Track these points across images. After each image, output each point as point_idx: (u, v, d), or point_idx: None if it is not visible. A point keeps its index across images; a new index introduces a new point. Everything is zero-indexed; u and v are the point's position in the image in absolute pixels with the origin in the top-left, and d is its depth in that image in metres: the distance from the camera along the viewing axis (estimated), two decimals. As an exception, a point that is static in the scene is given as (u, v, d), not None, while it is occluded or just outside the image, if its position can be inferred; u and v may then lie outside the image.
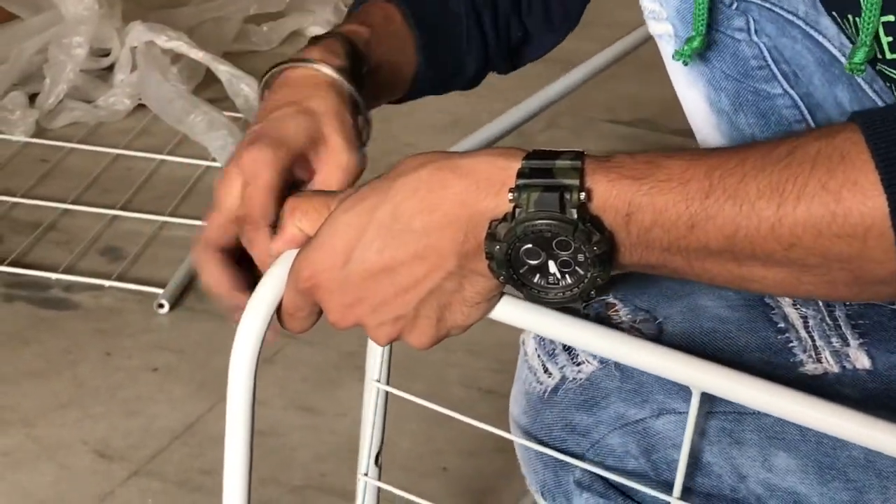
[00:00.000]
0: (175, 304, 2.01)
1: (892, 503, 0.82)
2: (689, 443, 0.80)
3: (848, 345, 0.85)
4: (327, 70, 0.92)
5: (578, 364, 0.87)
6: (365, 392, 1.05)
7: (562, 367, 0.88)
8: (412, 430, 1.70)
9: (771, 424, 0.82)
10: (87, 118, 2.57)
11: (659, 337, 0.85)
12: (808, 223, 0.68)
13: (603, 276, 0.74)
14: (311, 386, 1.83)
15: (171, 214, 2.26)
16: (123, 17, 2.67)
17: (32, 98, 2.58)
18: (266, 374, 1.80)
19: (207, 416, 1.76)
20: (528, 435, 0.90)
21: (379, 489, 1.09)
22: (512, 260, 0.74)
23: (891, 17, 0.78)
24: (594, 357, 0.86)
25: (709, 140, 0.91)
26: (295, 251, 0.81)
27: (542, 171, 0.73)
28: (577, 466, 0.87)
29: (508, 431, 0.92)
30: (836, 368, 0.84)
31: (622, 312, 0.87)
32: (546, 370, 0.89)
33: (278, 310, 0.82)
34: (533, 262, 0.74)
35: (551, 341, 0.89)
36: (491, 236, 0.73)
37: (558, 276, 0.75)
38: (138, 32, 2.62)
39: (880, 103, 0.85)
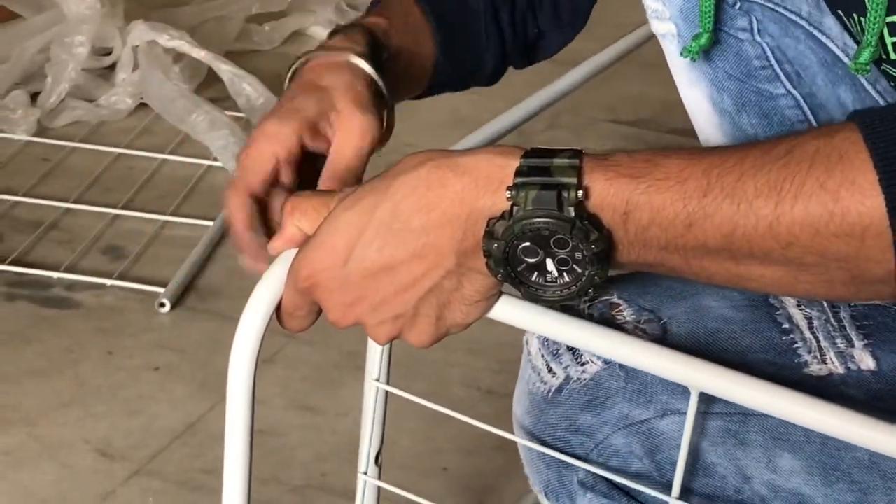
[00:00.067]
0: (176, 303, 2.01)
1: (896, 505, 0.82)
2: (687, 442, 0.80)
3: (853, 346, 0.85)
4: (344, 55, 0.93)
5: (583, 364, 0.87)
6: (365, 391, 1.05)
7: (566, 367, 0.88)
8: (412, 429, 1.70)
9: (775, 425, 0.82)
10: (88, 117, 2.57)
11: (663, 337, 0.85)
12: (805, 222, 0.68)
13: (601, 274, 0.74)
14: (311, 385, 1.83)
15: (173, 214, 2.26)
16: (125, 16, 2.67)
17: (34, 97, 2.58)
18: (266, 374, 1.80)
19: (208, 416, 1.76)
20: (532, 435, 0.89)
21: (379, 488, 1.09)
22: (510, 258, 0.74)
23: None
24: (598, 357, 0.86)
25: (711, 140, 0.91)
26: (294, 250, 0.81)
27: (540, 169, 0.73)
28: (580, 467, 0.87)
29: (509, 431, 0.92)
30: (840, 369, 0.84)
31: (626, 313, 0.87)
32: (550, 370, 0.89)
33: (278, 309, 0.82)
34: (531, 261, 0.74)
35: (555, 341, 0.89)
36: (489, 234, 0.73)
37: (556, 274, 0.75)
38: (140, 31, 2.63)
39: (883, 104, 0.85)
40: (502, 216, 0.73)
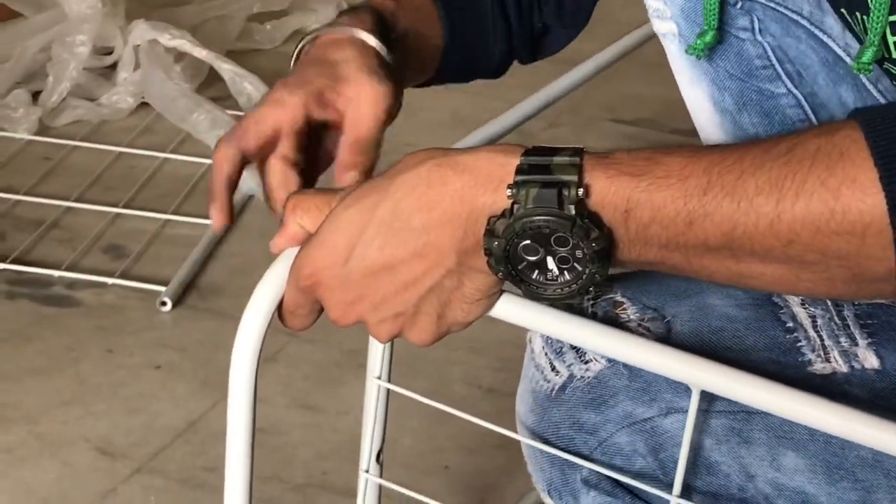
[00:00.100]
0: (177, 302, 2.01)
1: (901, 503, 0.82)
2: (688, 441, 0.80)
3: (857, 344, 0.85)
4: (352, 31, 0.94)
5: (586, 362, 0.87)
6: (366, 389, 1.05)
7: (569, 366, 0.88)
8: (413, 427, 1.70)
9: (779, 424, 0.82)
10: (90, 116, 2.57)
11: (667, 336, 0.85)
12: (806, 220, 0.68)
13: (601, 272, 0.74)
14: (312, 384, 1.83)
15: (174, 212, 2.26)
16: (127, 15, 2.67)
17: (36, 96, 2.58)
18: (268, 372, 1.80)
19: (210, 414, 1.76)
20: (535, 433, 0.90)
21: (381, 487, 1.09)
22: (510, 256, 0.74)
23: None
24: (602, 355, 0.86)
25: (712, 139, 0.91)
26: (296, 249, 0.81)
27: (541, 167, 0.73)
28: (584, 465, 0.87)
29: (510, 430, 0.92)
30: (844, 368, 0.84)
31: (630, 311, 0.87)
32: (553, 368, 0.89)
33: (279, 307, 0.82)
34: (531, 259, 0.74)
35: (558, 339, 0.89)
36: (490, 233, 0.73)
37: (556, 272, 0.75)
38: (141, 31, 2.63)
39: (884, 103, 0.85)
40: (503, 214, 0.73)
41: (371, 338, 0.90)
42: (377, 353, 1.03)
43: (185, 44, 2.62)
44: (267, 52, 2.91)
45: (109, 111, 2.59)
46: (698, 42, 0.86)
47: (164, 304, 1.99)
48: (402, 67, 0.97)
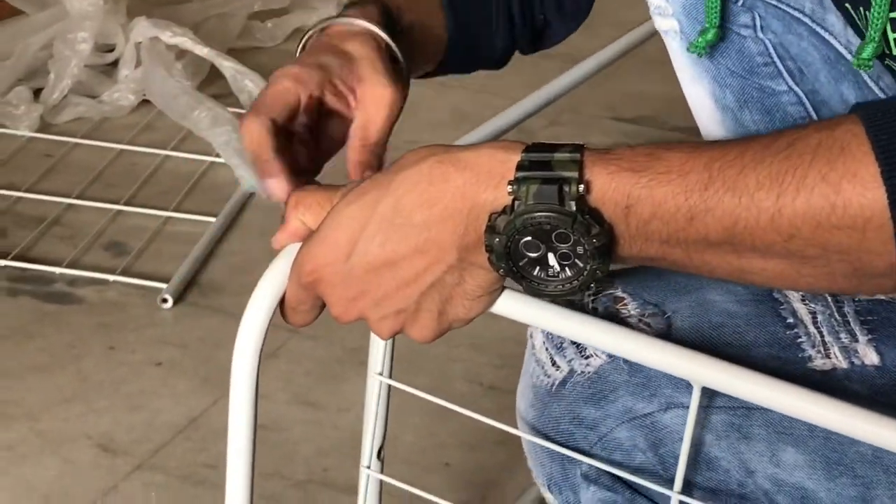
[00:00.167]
0: (179, 299, 2.01)
1: (900, 499, 0.82)
2: (689, 437, 0.81)
3: (857, 340, 0.85)
4: (363, 23, 0.94)
5: (587, 357, 0.87)
6: (367, 385, 1.05)
7: (570, 361, 0.88)
8: (414, 424, 1.70)
9: (779, 420, 0.82)
10: (91, 113, 2.58)
11: (667, 331, 0.85)
12: (807, 214, 0.68)
13: (602, 268, 0.74)
14: (314, 380, 1.83)
15: (176, 210, 2.26)
16: (128, 12, 2.67)
17: (37, 93, 2.58)
18: (269, 369, 1.80)
19: (211, 411, 1.76)
20: (535, 428, 0.90)
21: (382, 483, 1.09)
22: (511, 252, 0.74)
23: None
24: (602, 350, 0.87)
25: (713, 136, 0.91)
26: (298, 245, 0.81)
27: (541, 163, 0.73)
28: (583, 461, 0.88)
29: (511, 426, 0.92)
30: (844, 364, 0.84)
31: (631, 307, 0.87)
32: (554, 363, 0.89)
33: (281, 303, 0.82)
34: (532, 255, 0.74)
35: (559, 334, 0.89)
36: (490, 229, 0.73)
37: (557, 268, 0.75)
38: (143, 28, 2.63)
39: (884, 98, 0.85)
40: (504, 211, 0.73)
41: (372, 334, 0.90)
42: (378, 349, 1.04)
43: (186, 41, 2.62)
44: (268, 50, 2.91)
45: (111, 108, 2.59)
46: (700, 40, 0.86)
47: (165, 301, 1.99)
48: (408, 60, 0.97)
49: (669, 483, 0.84)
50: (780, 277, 0.72)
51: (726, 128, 0.90)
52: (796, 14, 0.85)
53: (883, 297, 0.87)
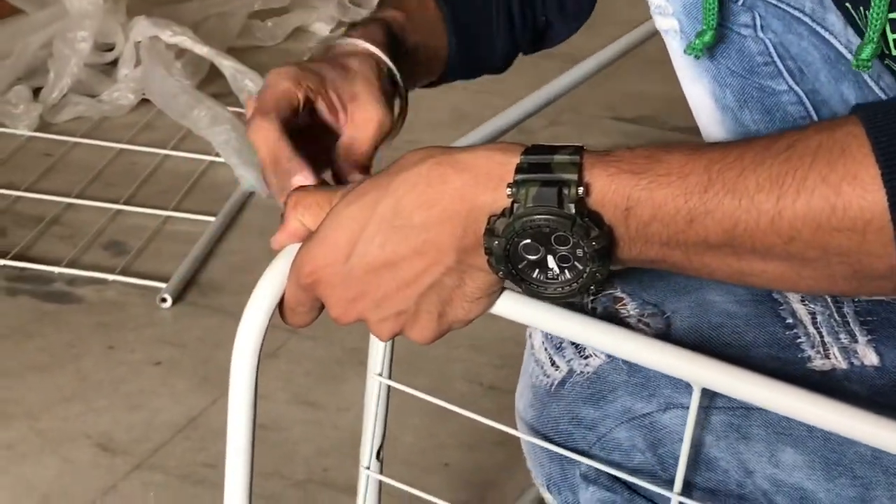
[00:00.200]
0: (178, 298, 2.01)
1: (899, 500, 0.82)
2: (689, 437, 0.80)
3: (856, 341, 0.85)
4: (367, 45, 0.94)
5: (586, 357, 0.87)
6: (367, 386, 1.05)
7: (569, 361, 0.88)
8: (414, 424, 1.70)
9: (778, 420, 0.82)
10: (90, 112, 2.58)
11: (667, 331, 0.85)
12: (807, 216, 0.68)
13: (602, 270, 0.74)
14: (313, 380, 1.83)
15: (175, 209, 2.26)
16: (128, 11, 2.67)
17: (36, 92, 2.58)
18: (269, 369, 1.80)
19: (210, 410, 1.76)
20: (534, 428, 0.90)
21: (381, 483, 1.09)
22: (510, 255, 0.74)
23: None
24: (602, 350, 0.87)
25: (713, 136, 0.91)
26: (297, 245, 0.81)
27: (541, 165, 0.73)
28: (582, 462, 0.87)
29: (510, 426, 0.92)
30: (844, 364, 0.84)
31: (630, 307, 0.87)
32: (553, 363, 0.89)
33: (280, 304, 0.82)
34: (532, 258, 0.74)
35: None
36: (490, 231, 0.73)
37: (557, 271, 0.75)
38: (143, 27, 2.63)
39: (885, 99, 0.85)
40: (503, 213, 0.73)
41: (371, 335, 0.90)
42: (378, 349, 1.03)
43: (186, 40, 2.62)
44: (268, 49, 2.91)
45: (110, 108, 2.59)
46: (696, 42, 0.86)
47: (164, 300, 1.99)
48: (409, 78, 0.98)
49: (668, 483, 0.84)
50: (781, 280, 0.72)
51: (726, 127, 0.90)
52: (796, 13, 0.85)
53: (883, 298, 0.87)
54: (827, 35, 0.85)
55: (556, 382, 0.88)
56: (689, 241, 0.71)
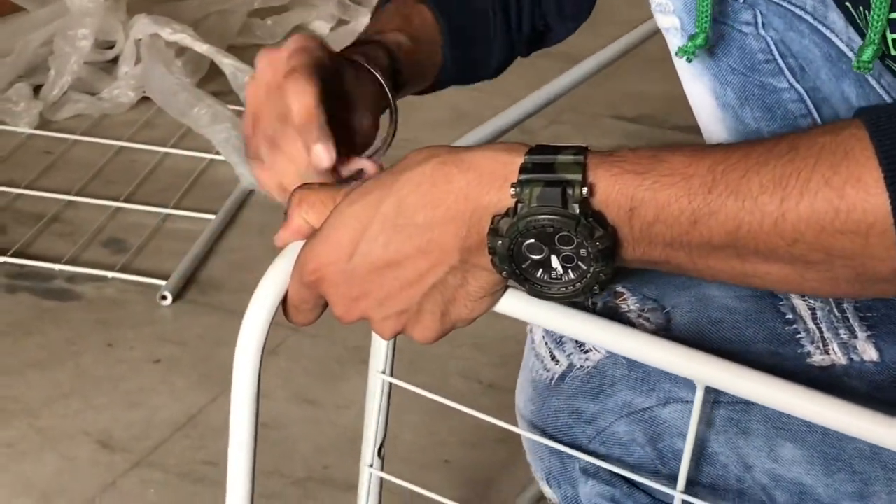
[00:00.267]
0: (178, 296, 2.01)
1: (898, 496, 0.82)
2: (693, 437, 0.80)
3: (856, 337, 0.85)
4: (369, 68, 0.95)
5: (586, 352, 0.87)
6: (369, 384, 1.05)
7: (569, 355, 0.88)
8: (414, 422, 1.70)
9: (778, 415, 0.82)
10: (91, 110, 2.58)
11: (667, 326, 0.85)
12: (811, 219, 0.68)
13: (606, 271, 0.74)
14: (313, 378, 1.84)
15: (175, 207, 2.26)
16: (128, 9, 2.67)
17: (37, 90, 2.58)
18: (269, 367, 1.79)
19: (209, 408, 1.76)
20: (534, 423, 0.90)
21: (382, 481, 1.09)
22: (514, 255, 0.74)
23: None
24: (604, 348, 0.87)
25: (714, 134, 0.91)
26: (300, 243, 0.81)
27: (545, 165, 0.73)
28: (580, 457, 0.88)
29: (510, 424, 0.92)
30: (843, 360, 0.84)
31: (630, 302, 0.87)
32: (553, 358, 0.89)
33: (284, 302, 0.82)
34: (535, 258, 0.74)
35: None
36: (493, 231, 0.73)
37: (561, 271, 0.75)
38: (143, 25, 2.63)
39: (888, 99, 0.85)
40: (507, 213, 0.73)
41: (374, 333, 0.90)
42: (382, 347, 1.03)
43: (186, 38, 2.62)
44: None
45: (110, 105, 2.59)
46: (689, 45, 0.86)
47: (164, 298, 1.99)
48: (402, 88, 0.99)
49: (667, 477, 0.84)
50: (784, 282, 0.72)
51: (727, 126, 0.90)
52: (798, 11, 0.85)
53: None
54: (828, 33, 0.85)
55: (556, 377, 0.88)
56: (693, 243, 0.71)
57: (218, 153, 2.42)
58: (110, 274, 2.06)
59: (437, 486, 1.59)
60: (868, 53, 0.79)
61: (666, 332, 0.84)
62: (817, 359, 0.84)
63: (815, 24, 0.85)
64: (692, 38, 0.86)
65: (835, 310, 0.85)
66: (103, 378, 1.83)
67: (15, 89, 2.56)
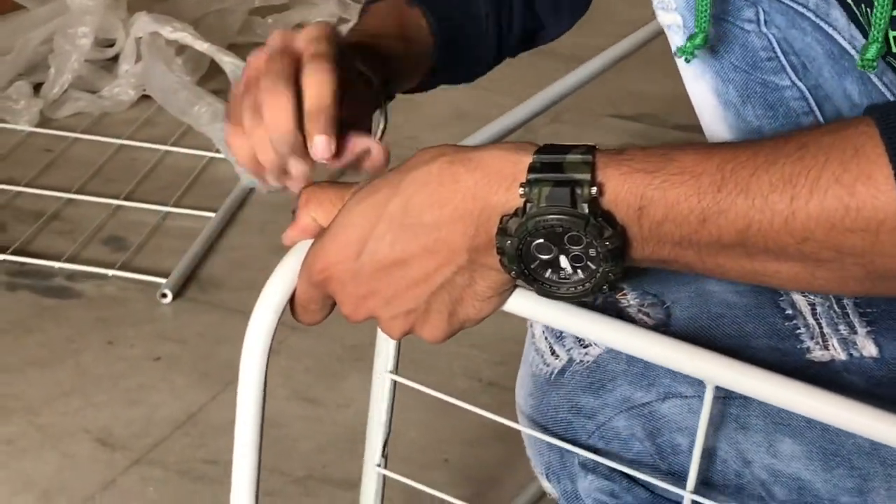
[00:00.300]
0: (178, 294, 2.01)
1: (896, 490, 0.82)
2: (702, 436, 0.80)
3: (855, 332, 0.85)
4: (364, 71, 0.94)
5: (585, 346, 0.87)
6: (374, 383, 1.05)
7: (569, 350, 0.88)
8: (414, 420, 1.70)
9: (777, 410, 0.82)
10: (91, 108, 2.57)
11: (667, 321, 0.85)
12: (821, 217, 0.68)
13: (615, 270, 0.74)
14: (314, 377, 1.83)
15: (175, 205, 2.26)
16: (129, 7, 2.67)
17: (37, 88, 2.58)
18: (270, 365, 1.80)
19: (209, 406, 1.76)
20: (534, 418, 0.90)
21: (384, 479, 1.09)
22: (523, 255, 0.74)
23: None
24: (606, 345, 0.86)
25: (716, 133, 0.91)
26: (308, 242, 0.81)
27: (553, 165, 0.72)
28: (580, 454, 0.88)
29: (511, 421, 0.92)
30: (843, 356, 0.84)
31: (630, 296, 0.87)
32: (553, 352, 0.89)
33: (291, 301, 0.82)
34: (544, 257, 0.74)
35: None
36: (502, 231, 0.73)
37: (570, 270, 0.74)
38: (143, 23, 2.63)
39: (889, 96, 0.85)
40: (515, 213, 0.73)
41: (379, 332, 0.90)
42: (387, 346, 1.03)
43: (186, 36, 2.62)
44: (268, 46, 2.90)
45: (111, 103, 2.59)
46: (688, 45, 0.86)
47: (164, 296, 1.99)
48: (391, 91, 0.99)
49: (666, 472, 0.84)
50: (794, 280, 0.72)
51: (729, 123, 0.90)
52: (800, 9, 0.85)
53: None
54: (830, 31, 0.85)
55: (555, 371, 0.88)
56: (702, 241, 0.71)
57: (218, 151, 2.41)
58: (110, 272, 2.06)
59: (437, 484, 1.58)
60: (872, 51, 0.79)
61: (666, 327, 0.84)
62: (817, 354, 0.84)
63: (818, 21, 0.85)
64: (691, 37, 0.86)
65: (835, 305, 0.85)
66: (103, 376, 1.83)
67: (15, 87, 2.55)
